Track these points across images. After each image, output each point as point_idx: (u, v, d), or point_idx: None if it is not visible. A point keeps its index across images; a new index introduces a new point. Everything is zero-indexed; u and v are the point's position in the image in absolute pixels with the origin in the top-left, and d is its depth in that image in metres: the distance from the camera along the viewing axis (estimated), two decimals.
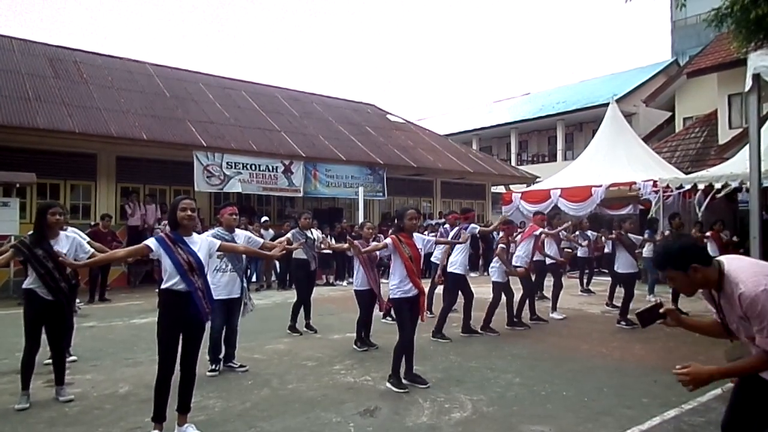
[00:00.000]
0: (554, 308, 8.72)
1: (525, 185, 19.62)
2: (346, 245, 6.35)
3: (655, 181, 12.05)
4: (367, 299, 6.46)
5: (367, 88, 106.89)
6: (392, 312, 7.59)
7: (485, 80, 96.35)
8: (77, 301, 5.90)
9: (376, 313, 6.79)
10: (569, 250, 11.43)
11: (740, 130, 14.81)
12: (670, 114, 21.40)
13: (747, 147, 6.28)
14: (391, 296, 5.00)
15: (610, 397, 4.56)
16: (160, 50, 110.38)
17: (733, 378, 2.39)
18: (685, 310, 8.33)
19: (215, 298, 4.99)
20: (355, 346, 6.42)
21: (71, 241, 4.70)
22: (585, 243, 11.78)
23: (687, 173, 13.21)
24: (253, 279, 12.97)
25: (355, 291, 6.58)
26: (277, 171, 14.83)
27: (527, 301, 8.16)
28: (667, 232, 10.42)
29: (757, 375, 2.29)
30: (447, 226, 9.21)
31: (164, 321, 3.68)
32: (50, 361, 5.02)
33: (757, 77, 4.27)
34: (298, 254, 7.33)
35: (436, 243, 6.87)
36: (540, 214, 9.13)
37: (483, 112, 34.84)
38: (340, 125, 19.07)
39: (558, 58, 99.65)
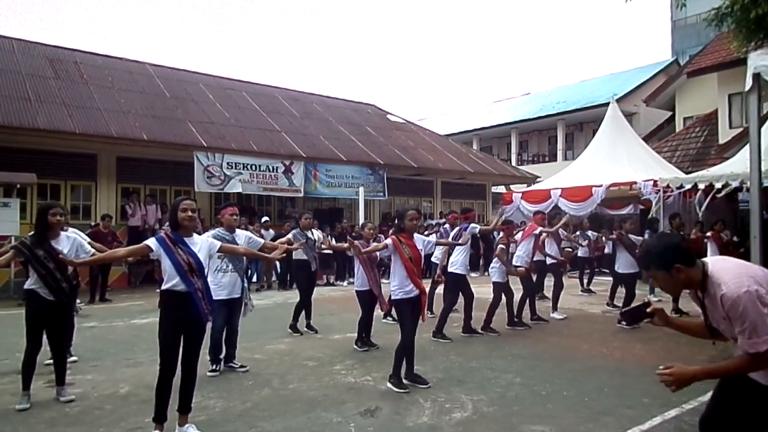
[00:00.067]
0: (555, 308, 8.72)
1: (525, 185, 19.62)
2: (346, 245, 6.35)
3: (655, 181, 12.04)
4: (367, 300, 6.46)
5: (368, 88, 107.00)
6: (393, 312, 7.62)
7: (485, 80, 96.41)
8: (77, 301, 5.90)
9: (377, 313, 6.79)
10: (569, 250, 11.43)
11: (740, 129, 14.80)
12: (670, 113, 21.40)
13: (747, 146, 6.28)
14: (392, 297, 5.00)
15: (610, 397, 4.56)
16: (160, 50, 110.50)
17: (717, 379, 2.38)
18: (685, 310, 8.39)
19: (216, 298, 5.02)
20: (355, 346, 6.42)
21: (72, 242, 4.71)
22: (585, 243, 11.78)
23: (687, 173, 13.21)
24: (254, 279, 12.98)
25: (356, 291, 6.59)
26: (277, 171, 14.83)
27: (528, 301, 8.15)
28: (668, 232, 10.41)
29: (743, 375, 2.28)
30: (447, 226, 9.21)
31: (165, 322, 3.68)
32: (51, 361, 5.02)
33: (757, 77, 4.27)
34: (299, 255, 7.34)
35: (437, 244, 6.87)
36: (540, 213, 9.13)
37: (483, 112, 34.83)
38: (341, 125, 19.07)
39: (558, 58, 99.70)
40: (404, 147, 19.24)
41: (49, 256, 4.39)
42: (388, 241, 5.06)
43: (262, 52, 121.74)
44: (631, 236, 8.90)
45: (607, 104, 16.09)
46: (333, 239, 11.17)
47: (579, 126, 28.29)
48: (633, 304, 2.58)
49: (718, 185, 10.79)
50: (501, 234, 7.95)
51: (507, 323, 7.66)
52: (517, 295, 7.93)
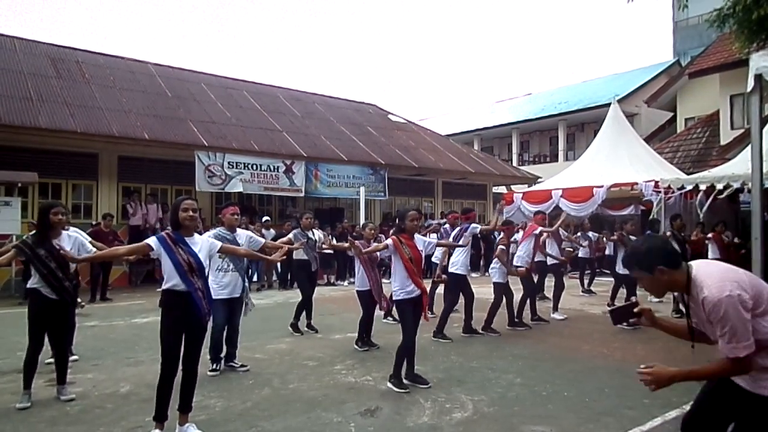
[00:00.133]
0: (555, 309, 8.72)
1: (526, 185, 19.61)
2: (347, 245, 6.36)
3: (656, 182, 12.02)
4: (368, 300, 6.46)
5: (369, 88, 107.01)
6: (393, 312, 7.62)
7: (487, 80, 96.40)
8: (78, 300, 5.91)
9: (378, 313, 6.79)
10: (570, 250, 11.43)
11: (742, 130, 14.79)
12: (671, 114, 21.39)
13: (749, 148, 6.28)
14: (394, 297, 5.00)
15: (611, 398, 4.55)
16: (161, 50, 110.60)
17: (695, 381, 2.39)
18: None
19: (217, 297, 5.03)
20: (356, 346, 6.42)
21: (73, 241, 4.71)
22: (586, 243, 11.78)
23: (689, 174, 13.19)
24: (255, 279, 12.99)
25: (357, 291, 6.60)
26: (278, 171, 14.84)
27: (528, 302, 8.15)
28: (668, 233, 10.41)
29: (727, 378, 2.29)
30: (447, 226, 9.22)
31: (166, 321, 3.69)
32: (52, 360, 5.04)
33: (759, 78, 4.26)
34: (299, 255, 7.34)
35: (437, 245, 6.86)
36: (541, 213, 9.12)
37: (484, 112, 34.83)
38: (342, 125, 19.08)
39: (559, 59, 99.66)
40: (405, 147, 19.25)
41: (51, 256, 4.40)
42: (389, 241, 5.06)
43: (262, 52, 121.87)
44: (632, 237, 8.88)
45: (609, 105, 16.06)
46: (334, 239, 11.18)
47: (580, 126, 28.29)
48: (620, 304, 2.59)
49: (719, 186, 10.77)
50: (501, 234, 7.95)
51: (507, 323, 7.66)
52: (518, 296, 7.93)
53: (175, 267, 3.64)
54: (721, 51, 16.51)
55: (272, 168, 14.75)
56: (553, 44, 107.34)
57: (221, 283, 5.37)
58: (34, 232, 4.62)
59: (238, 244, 5.27)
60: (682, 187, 11.62)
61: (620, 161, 13.73)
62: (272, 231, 12.86)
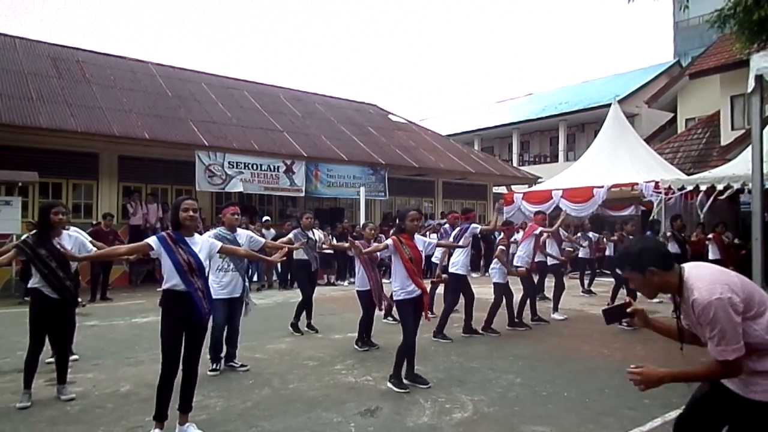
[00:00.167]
0: (555, 309, 8.71)
1: (527, 186, 19.62)
2: (347, 245, 6.36)
3: (657, 183, 12.03)
4: (368, 300, 6.46)
5: (369, 88, 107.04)
6: (393, 312, 7.63)
7: (487, 80, 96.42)
8: (79, 300, 5.91)
9: (378, 313, 6.79)
10: (570, 250, 11.43)
11: (743, 131, 14.79)
12: (672, 115, 21.39)
13: (749, 148, 6.27)
14: (394, 297, 5.01)
15: (611, 398, 4.55)
16: (161, 50, 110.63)
17: (684, 383, 2.40)
18: None
19: (217, 297, 5.03)
20: (356, 346, 6.42)
21: (74, 241, 4.72)
22: (586, 244, 11.78)
23: (689, 174, 13.19)
24: (255, 278, 12.99)
25: (357, 291, 6.59)
26: (278, 171, 14.84)
27: (528, 302, 8.15)
28: (668, 234, 10.42)
29: (720, 383, 2.29)
30: (447, 225, 9.22)
31: (166, 321, 3.69)
32: (52, 360, 5.04)
33: (759, 78, 4.27)
34: (300, 255, 7.34)
35: (438, 246, 6.86)
36: (541, 213, 9.12)
37: (485, 112, 34.83)
38: (342, 125, 19.08)
39: (560, 59, 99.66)
40: (405, 147, 19.25)
41: (52, 255, 4.40)
42: (389, 241, 5.06)
43: (262, 52, 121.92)
44: (633, 238, 8.88)
45: (609, 105, 16.07)
46: (334, 239, 11.18)
47: (581, 127, 28.29)
48: (613, 303, 2.61)
49: (719, 187, 10.78)
50: (501, 235, 7.96)
51: (507, 324, 7.66)
52: (518, 296, 7.93)
53: (175, 267, 3.64)
54: (721, 52, 16.51)
55: (272, 168, 14.75)
56: (553, 44, 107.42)
57: (221, 283, 5.37)
58: (34, 231, 4.62)
59: (239, 244, 5.27)
60: (683, 188, 11.62)
61: (621, 162, 13.73)
62: (272, 231, 12.86)
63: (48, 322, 4.49)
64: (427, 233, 11.70)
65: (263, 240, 5.95)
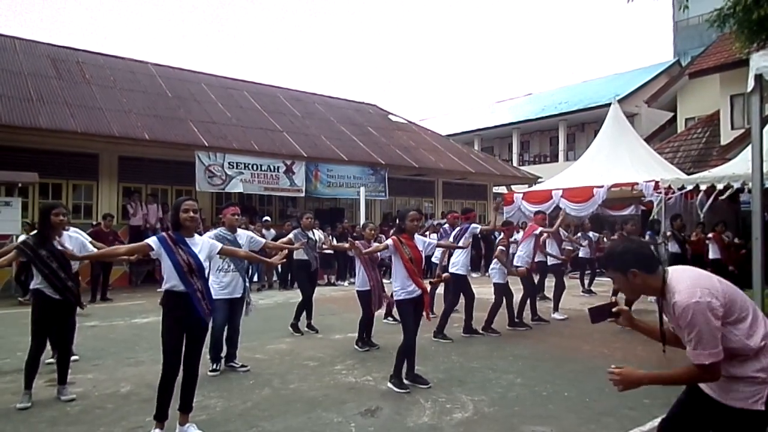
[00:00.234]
0: (556, 309, 8.72)
1: (527, 186, 19.61)
2: (347, 245, 6.36)
3: (657, 182, 12.03)
4: (368, 300, 6.45)
5: (369, 88, 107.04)
6: (393, 312, 7.63)
7: (487, 80, 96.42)
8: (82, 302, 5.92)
9: (378, 313, 6.79)
10: (570, 249, 11.43)
11: (742, 130, 14.79)
12: (672, 114, 21.39)
13: (749, 148, 6.27)
14: (395, 298, 5.01)
15: (611, 398, 4.55)
16: (160, 50, 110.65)
17: (666, 385, 2.41)
18: None
19: (218, 297, 5.03)
20: (356, 347, 6.42)
21: (74, 241, 4.73)
22: (586, 243, 11.78)
23: (689, 174, 13.18)
24: (255, 279, 12.99)
25: (357, 291, 6.59)
26: (278, 171, 14.84)
27: (528, 302, 8.15)
28: (668, 233, 10.42)
29: (700, 388, 2.30)
30: (447, 225, 9.21)
31: (166, 322, 3.69)
32: (52, 360, 5.05)
33: (759, 78, 4.26)
34: (300, 255, 7.34)
35: (438, 246, 6.86)
36: (541, 213, 9.12)
37: (485, 112, 34.83)
38: (342, 125, 19.08)
39: (560, 59, 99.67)
40: (405, 147, 19.25)
41: (52, 256, 4.40)
42: (389, 241, 5.07)
43: (262, 52, 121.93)
44: (633, 237, 8.87)
45: (609, 105, 16.06)
46: (334, 239, 11.18)
47: (580, 126, 28.29)
48: (599, 303, 2.63)
49: (719, 186, 10.77)
50: (501, 235, 7.96)
51: (508, 324, 7.66)
52: (518, 296, 7.93)
53: (174, 267, 3.64)
54: (721, 51, 16.51)
55: (272, 168, 14.75)
56: (553, 44, 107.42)
57: (222, 283, 5.37)
58: (35, 232, 4.62)
59: (239, 245, 5.28)
60: (683, 188, 11.62)
61: (620, 161, 13.72)
62: (272, 231, 12.86)
63: (50, 323, 4.49)
64: (427, 233, 11.70)
65: (263, 240, 5.95)
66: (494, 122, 31.18)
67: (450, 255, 7.56)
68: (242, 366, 5.48)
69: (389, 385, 4.80)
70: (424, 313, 5.03)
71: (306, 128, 17.67)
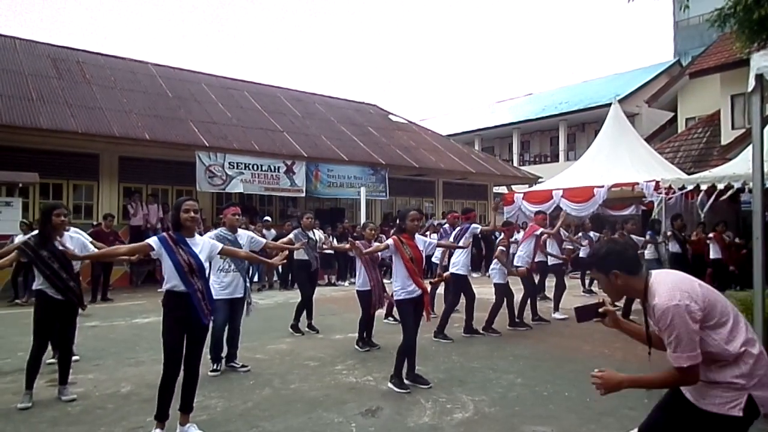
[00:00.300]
0: (556, 308, 8.72)
1: (527, 186, 19.61)
2: (348, 246, 6.36)
3: (657, 182, 12.02)
4: (368, 299, 6.46)
5: (369, 88, 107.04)
6: (394, 312, 7.63)
7: (487, 80, 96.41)
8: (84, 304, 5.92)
9: (379, 313, 6.79)
10: (570, 248, 11.43)
11: (743, 130, 14.78)
12: (672, 114, 21.38)
13: (750, 147, 6.26)
14: (395, 297, 5.01)
15: (612, 398, 4.51)
16: (160, 50, 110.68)
17: (642, 389, 2.43)
18: None
19: (218, 297, 5.03)
20: (357, 347, 6.42)
21: (75, 242, 4.73)
22: (586, 243, 11.76)
23: (689, 174, 13.17)
24: (255, 279, 12.98)
25: (357, 291, 6.59)
26: (279, 171, 14.85)
27: (529, 302, 8.15)
28: (669, 233, 10.41)
29: (680, 392, 2.31)
30: (447, 225, 9.22)
31: (167, 322, 3.70)
32: (53, 360, 5.05)
33: (760, 77, 4.25)
34: (300, 255, 7.34)
35: (438, 246, 6.86)
36: (541, 213, 9.12)
37: (485, 112, 34.83)
38: (342, 125, 19.09)
39: (560, 59, 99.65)
40: (406, 147, 19.25)
41: (53, 256, 4.40)
42: (390, 241, 5.07)
43: (262, 52, 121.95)
44: (633, 236, 8.88)
45: (609, 105, 16.05)
46: (334, 239, 11.19)
47: (581, 126, 28.28)
48: (587, 302, 2.64)
49: (720, 186, 10.76)
50: (502, 235, 7.96)
51: (508, 324, 7.66)
52: (518, 296, 7.93)
53: (175, 267, 3.64)
54: (721, 51, 16.50)
55: (273, 168, 14.76)
56: (553, 44, 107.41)
57: (222, 283, 5.38)
58: (36, 232, 4.63)
59: (240, 245, 5.28)
60: (683, 187, 11.61)
61: (621, 161, 13.72)
62: (273, 231, 12.86)
63: (53, 323, 4.50)
64: (428, 233, 11.70)
65: (264, 240, 5.96)
66: (494, 122, 31.17)
67: (450, 255, 7.56)
68: (243, 366, 5.48)
69: (390, 385, 4.80)
70: (424, 314, 5.04)
71: (306, 128, 17.68)
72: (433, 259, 9.38)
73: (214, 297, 4.36)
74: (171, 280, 3.67)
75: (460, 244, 7.03)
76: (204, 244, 3.90)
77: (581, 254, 11.90)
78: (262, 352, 6.28)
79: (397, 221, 5.38)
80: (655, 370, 2.35)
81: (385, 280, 6.79)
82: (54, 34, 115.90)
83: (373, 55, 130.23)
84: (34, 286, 4.54)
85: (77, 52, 16.51)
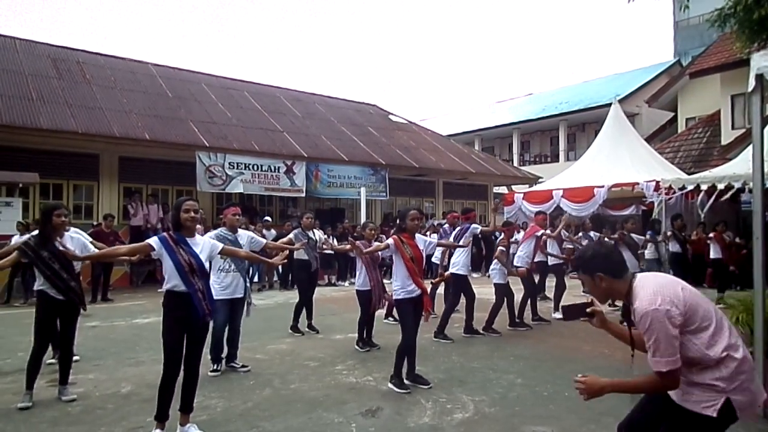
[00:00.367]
0: (556, 308, 8.71)
1: (527, 186, 19.61)
2: (348, 246, 6.36)
3: (657, 182, 12.03)
4: (368, 299, 6.46)
5: (369, 88, 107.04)
6: (394, 313, 7.63)
7: (488, 80, 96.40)
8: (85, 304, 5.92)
9: (379, 313, 6.78)
10: (570, 248, 11.42)
11: (743, 130, 14.78)
12: (672, 114, 21.38)
13: (750, 147, 6.26)
14: (394, 297, 5.01)
15: (612, 398, 4.49)
16: (160, 50, 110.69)
17: (624, 393, 2.43)
18: None
19: (218, 297, 5.03)
20: (357, 347, 6.42)
21: (75, 242, 4.73)
22: (586, 243, 11.74)
23: (690, 174, 13.18)
24: (255, 279, 12.99)
25: (357, 291, 6.59)
26: (279, 171, 14.84)
27: (529, 302, 8.15)
28: (669, 233, 10.41)
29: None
30: (447, 225, 9.22)
31: (167, 322, 3.69)
32: (53, 360, 5.06)
33: (760, 77, 4.24)
34: (300, 255, 7.34)
35: (438, 245, 6.86)
36: (542, 213, 9.12)
37: (485, 112, 34.82)
38: (343, 126, 19.09)
39: (560, 59, 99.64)
40: (406, 147, 19.25)
41: (54, 257, 4.40)
42: (390, 240, 5.07)
43: (262, 52, 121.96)
44: (634, 236, 8.87)
45: (610, 105, 16.06)
46: (334, 239, 11.18)
47: (581, 126, 28.28)
48: (575, 302, 2.66)
49: (720, 186, 10.77)
50: (502, 235, 7.96)
51: (508, 324, 7.66)
52: (518, 296, 7.92)
53: (175, 267, 3.64)
54: (721, 51, 16.50)
55: (273, 168, 14.76)
56: (554, 44, 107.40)
57: (223, 284, 5.38)
58: (36, 233, 4.63)
59: (240, 245, 5.28)
60: (683, 187, 11.62)
61: (621, 161, 13.72)
62: (273, 231, 12.86)
63: (54, 323, 4.50)
64: (428, 233, 11.70)
65: (264, 240, 5.96)
66: (495, 122, 31.16)
67: (450, 255, 7.56)
68: (243, 366, 5.48)
69: (390, 385, 4.80)
70: (423, 314, 5.03)
71: (306, 128, 17.68)
72: (433, 260, 9.38)
73: (215, 297, 4.36)
74: (171, 280, 3.67)
75: (460, 243, 7.03)
76: (204, 244, 3.91)
77: None
78: (262, 352, 6.28)
79: (398, 221, 5.39)
80: (638, 371, 2.36)
81: (385, 281, 6.79)
82: (54, 34, 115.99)
83: (373, 55, 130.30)
84: (35, 287, 4.54)
85: (77, 52, 16.51)
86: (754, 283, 4.19)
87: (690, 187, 11.51)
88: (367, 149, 17.70)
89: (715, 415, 2.14)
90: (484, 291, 8.37)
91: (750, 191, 7.76)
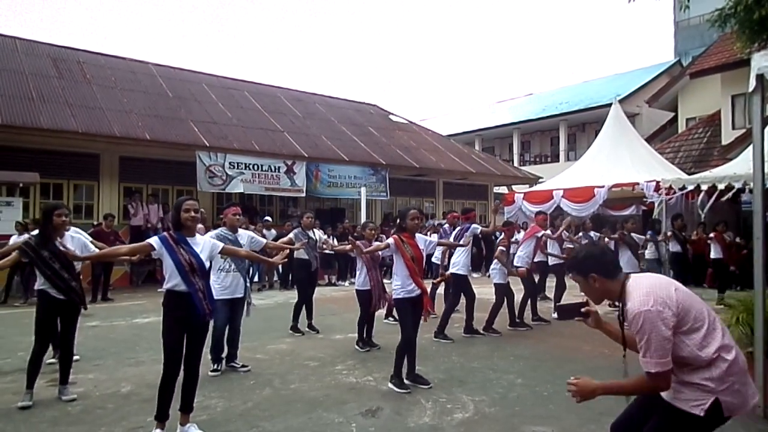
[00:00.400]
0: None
1: (527, 186, 19.62)
2: (348, 246, 6.36)
3: (658, 182, 12.02)
4: (367, 299, 6.46)
5: (370, 88, 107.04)
6: (394, 313, 7.63)
7: (488, 80, 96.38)
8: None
9: (379, 313, 6.78)
10: (571, 247, 11.42)
11: (743, 130, 14.78)
12: (673, 114, 21.38)
13: (750, 147, 6.26)
14: (394, 296, 5.01)
15: (612, 398, 4.52)
16: (160, 50, 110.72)
17: (618, 395, 2.43)
18: None
19: (219, 297, 5.03)
20: (357, 347, 6.42)
21: (76, 242, 4.73)
22: (586, 243, 11.74)
23: (690, 174, 13.18)
24: (256, 279, 12.99)
25: (357, 291, 6.59)
26: (279, 171, 14.84)
27: (529, 302, 8.15)
28: (669, 233, 10.41)
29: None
30: (447, 225, 9.21)
31: (167, 322, 3.69)
32: (54, 360, 5.06)
33: (760, 77, 4.24)
34: (300, 254, 7.34)
35: (438, 244, 6.85)
36: (542, 213, 9.12)
37: (485, 112, 34.82)
38: (343, 125, 19.09)
39: (561, 59, 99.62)
40: (406, 147, 19.25)
41: (54, 257, 4.40)
42: (390, 240, 5.07)
43: (262, 52, 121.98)
44: (634, 235, 8.87)
45: (610, 105, 16.06)
46: (335, 239, 11.18)
47: (581, 126, 28.27)
48: (570, 301, 2.67)
49: (721, 186, 10.77)
50: (502, 235, 7.95)
51: (508, 324, 7.66)
52: (519, 296, 7.92)
53: (176, 267, 3.64)
54: (722, 51, 16.50)
55: (273, 168, 14.76)
56: (554, 44, 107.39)
57: (223, 284, 5.38)
58: (36, 232, 4.63)
59: (240, 245, 5.28)
60: (684, 188, 11.62)
61: (621, 161, 13.73)
62: (273, 231, 12.86)
63: (55, 323, 4.50)
64: (428, 233, 11.69)
65: (264, 240, 5.95)
66: (495, 122, 31.15)
67: (450, 255, 7.55)
68: (243, 366, 5.48)
69: (390, 385, 4.80)
70: (423, 314, 5.03)
71: (306, 128, 17.68)
72: (433, 259, 9.37)
73: (215, 297, 4.36)
74: (172, 279, 3.66)
75: (460, 243, 7.03)
76: (205, 243, 3.90)
77: None
78: (263, 352, 6.28)
79: (398, 220, 5.38)
80: (630, 371, 2.36)
81: (385, 281, 6.79)
82: (54, 34, 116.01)
83: (373, 55, 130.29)
84: (36, 286, 4.54)
85: (77, 52, 16.51)
86: (755, 283, 4.19)
87: (690, 187, 11.51)
88: (367, 149, 17.70)
89: (702, 414, 2.14)
90: (484, 291, 8.37)
91: (750, 191, 7.76)
